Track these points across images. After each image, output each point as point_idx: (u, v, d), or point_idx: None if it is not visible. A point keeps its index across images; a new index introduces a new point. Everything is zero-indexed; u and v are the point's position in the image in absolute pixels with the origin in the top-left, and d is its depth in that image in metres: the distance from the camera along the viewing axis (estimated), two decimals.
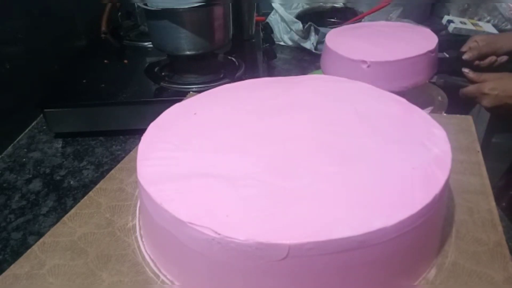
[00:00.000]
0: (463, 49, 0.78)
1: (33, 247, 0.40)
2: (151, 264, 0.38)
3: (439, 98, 0.74)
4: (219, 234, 0.30)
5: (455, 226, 0.40)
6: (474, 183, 0.45)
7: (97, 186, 0.48)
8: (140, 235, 0.41)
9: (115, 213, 0.44)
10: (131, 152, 0.53)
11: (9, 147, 0.62)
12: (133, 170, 0.39)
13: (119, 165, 0.51)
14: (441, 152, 0.37)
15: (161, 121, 0.45)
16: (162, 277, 0.37)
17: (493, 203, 0.42)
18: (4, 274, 0.38)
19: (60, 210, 0.45)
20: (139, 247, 0.40)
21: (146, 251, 0.39)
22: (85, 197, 0.46)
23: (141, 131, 0.43)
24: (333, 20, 1.01)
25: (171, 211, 0.32)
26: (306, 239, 0.29)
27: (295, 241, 0.29)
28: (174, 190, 0.35)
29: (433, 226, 0.35)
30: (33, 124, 0.68)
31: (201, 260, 0.33)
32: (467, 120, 0.57)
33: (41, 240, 0.41)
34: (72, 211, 0.44)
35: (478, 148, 0.52)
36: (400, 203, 0.32)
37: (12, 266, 0.38)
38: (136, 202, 0.45)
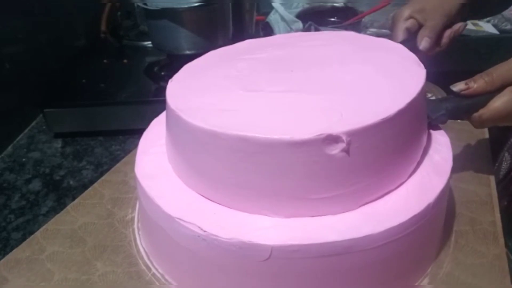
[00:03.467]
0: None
1: (36, 233, 0.42)
2: (145, 257, 0.39)
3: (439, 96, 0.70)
4: (204, 231, 0.30)
5: (455, 236, 0.39)
6: (480, 193, 0.43)
7: (103, 177, 0.49)
8: (138, 227, 0.42)
9: (116, 204, 0.45)
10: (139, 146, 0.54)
11: (9, 147, 0.62)
12: None
13: (125, 159, 0.52)
14: (442, 159, 0.36)
15: (163, 117, 0.45)
16: (153, 270, 0.37)
17: (498, 215, 0.41)
18: (6, 257, 0.39)
19: (60, 210, 0.45)
20: (135, 239, 0.41)
21: (141, 243, 0.40)
22: (90, 188, 0.48)
23: (141, 131, 0.43)
24: (333, 19, 0.99)
25: (162, 205, 0.33)
26: (290, 241, 0.29)
27: (278, 243, 0.29)
28: (168, 185, 0.35)
29: (427, 235, 0.34)
30: (32, 124, 0.68)
31: (189, 256, 0.33)
32: None
33: (44, 227, 0.43)
34: (76, 200, 0.46)
35: (490, 157, 0.50)
36: (391, 210, 0.31)
37: (14, 250, 0.40)
38: (137, 195, 0.46)
